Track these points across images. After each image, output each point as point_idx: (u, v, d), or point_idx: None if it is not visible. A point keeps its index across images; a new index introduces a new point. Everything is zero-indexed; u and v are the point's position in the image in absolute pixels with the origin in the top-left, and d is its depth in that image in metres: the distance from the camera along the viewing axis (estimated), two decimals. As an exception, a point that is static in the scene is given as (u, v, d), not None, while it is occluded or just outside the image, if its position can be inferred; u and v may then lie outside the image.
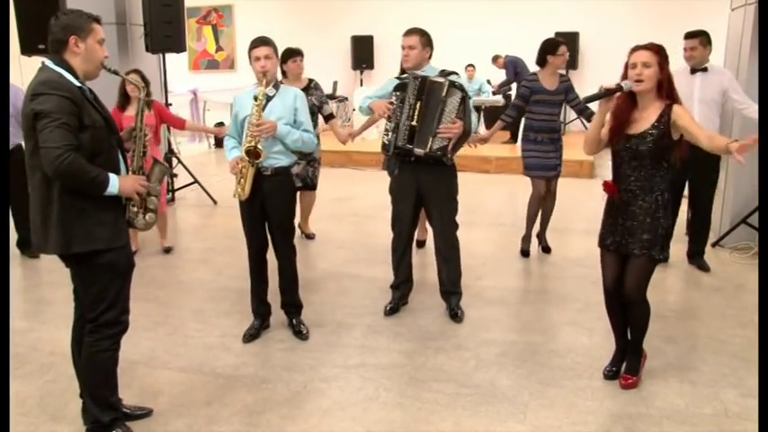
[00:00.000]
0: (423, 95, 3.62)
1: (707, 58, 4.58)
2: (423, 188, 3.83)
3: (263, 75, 3.42)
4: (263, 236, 3.65)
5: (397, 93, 3.73)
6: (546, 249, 5.31)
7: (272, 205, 3.55)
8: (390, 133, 3.72)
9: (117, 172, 2.55)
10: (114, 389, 2.74)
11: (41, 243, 2.52)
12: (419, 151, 3.65)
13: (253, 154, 3.36)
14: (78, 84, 2.45)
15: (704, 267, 4.82)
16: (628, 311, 3.14)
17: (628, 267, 3.05)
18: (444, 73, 3.76)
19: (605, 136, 3.02)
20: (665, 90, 2.91)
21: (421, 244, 5.36)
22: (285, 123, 3.46)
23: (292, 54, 5.15)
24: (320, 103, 5.26)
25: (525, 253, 5.25)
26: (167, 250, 5.38)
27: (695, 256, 4.90)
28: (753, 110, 4.51)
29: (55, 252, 2.52)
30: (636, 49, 2.94)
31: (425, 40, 3.81)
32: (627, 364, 3.21)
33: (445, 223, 3.91)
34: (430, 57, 3.87)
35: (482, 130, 9.09)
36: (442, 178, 3.82)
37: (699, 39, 4.54)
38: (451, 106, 3.60)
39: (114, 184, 2.47)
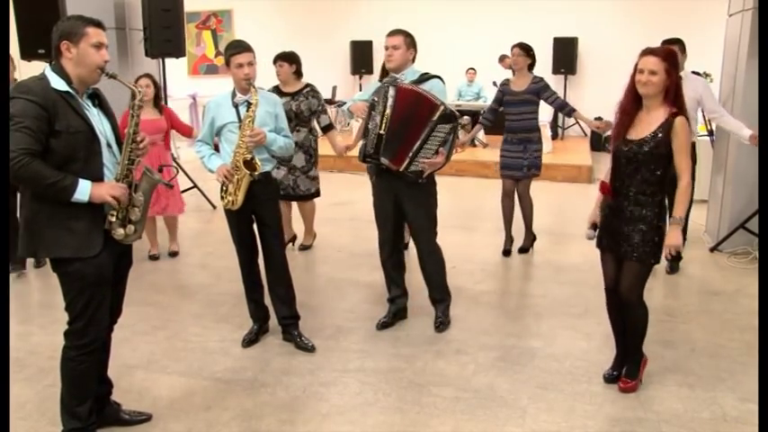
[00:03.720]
0: (395, 105, 3.49)
1: (682, 65, 4.54)
2: (399, 196, 3.72)
3: (249, 82, 3.37)
4: (254, 241, 3.65)
5: (375, 99, 3.60)
6: (521, 250, 5.42)
7: (265, 210, 3.54)
8: (364, 139, 3.65)
9: (98, 179, 2.47)
10: (80, 401, 2.68)
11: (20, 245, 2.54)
12: (385, 161, 3.54)
13: (250, 166, 3.35)
14: (66, 88, 2.41)
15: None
16: (624, 314, 3.15)
17: (622, 270, 3.06)
18: (426, 76, 3.70)
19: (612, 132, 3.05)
20: (672, 96, 2.90)
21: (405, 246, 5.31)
22: (269, 131, 3.47)
23: (277, 58, 5.05)
24: (312, 111, 5.06)
25: (506, 252, 5.37)
26: (173, 254, 5.41)
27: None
28: (725, 120, 4.71)
29: (22, 255, 2.54)
30: (645, 53, 2.91)
31: (410, 41, 3.75)
32: (626, 367, 3.22)
33: (423, 232, 3.79)
34: (413, 59, 3.81)
35: (481, 135, 9.16)
36: (419, 186, 3.67)
37: (677, 46, 4.45)
38: (440, 133, 3.49)
39: (84, 190, 2.39)
